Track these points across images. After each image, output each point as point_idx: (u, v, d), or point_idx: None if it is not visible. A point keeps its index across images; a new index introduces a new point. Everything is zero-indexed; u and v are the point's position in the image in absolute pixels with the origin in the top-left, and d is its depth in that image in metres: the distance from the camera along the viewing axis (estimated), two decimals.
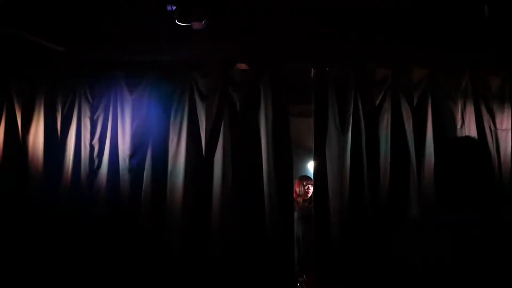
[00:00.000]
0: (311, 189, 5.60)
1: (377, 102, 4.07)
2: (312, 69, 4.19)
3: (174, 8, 3.58)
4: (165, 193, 4.07)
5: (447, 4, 3.74)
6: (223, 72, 4.21)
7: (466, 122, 3.97)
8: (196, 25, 3.68)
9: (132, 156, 4.14)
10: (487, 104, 4.01)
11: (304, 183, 5.64)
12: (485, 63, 4.07)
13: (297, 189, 5.69)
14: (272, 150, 4.10)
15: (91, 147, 4.18)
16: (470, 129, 3.94)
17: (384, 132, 4.00)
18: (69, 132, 4.19)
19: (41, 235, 3.98)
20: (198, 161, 4.11)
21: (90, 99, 4.26)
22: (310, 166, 8.32)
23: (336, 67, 4.21)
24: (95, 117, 4.24)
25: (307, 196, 5.60)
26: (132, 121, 4.19)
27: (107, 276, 3.93)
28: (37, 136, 4.17)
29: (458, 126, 3.98)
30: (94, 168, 4.14)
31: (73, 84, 4.27)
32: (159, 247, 3.98)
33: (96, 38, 4.15)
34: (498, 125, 3.96)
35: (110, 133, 4.17)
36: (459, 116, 3.99)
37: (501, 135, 3.93)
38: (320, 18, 3.95)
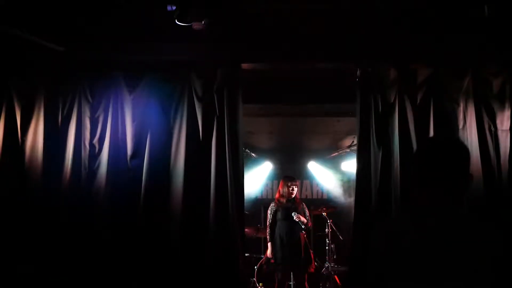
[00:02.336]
0: (295, 190, 5.60)
1: (391, 101, 4.09)
2: (358, 69, 4.17)
3: (174, 8, 3.58)
4: (165, 192, 4.07)
5: (448, 5, 3.74)
6: (213, 74, 4.21)
7: (468, 122, 3.97)
8: (196, 25, 3.68)
9: (132, 156, 4.14)
10: (487, 104, 4.00)
11: (289, 184, 5.59)
12: (486, 64, 4.07)
13: (281, 189, 5.64)
14: (229, 153, 4.11)
15: (91, 147, 4.19)
16: (471, 130, 3.94)
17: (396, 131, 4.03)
18: (69, 131, 4.19)
19: (41, 235, 3.98)
20: (197, 161, 4.11)
21: (90, 99, 4.26)
22: (310, 166, 8.35)
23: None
24: (94, 117, 4.24)
25: (290, 197, 5.58)
26: (132, 121, 4.20)
27: (106, 275, 3.92)
28: (36, 136, 4.17)
29: (460, 126, 3.98)
30: (94, 168, 4.14)
31: (73, 84, 4.28)
32: (159, 246, 3.98)
33: (96, 38, 4.16)
34: (498, 126, 3.95)
35: (110, 133, 4.18)
36: (461, 117, 3.99)
37: (501, 136, 3.92)
38: (312, 18, 3.97)
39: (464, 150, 1.71)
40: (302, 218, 5.47)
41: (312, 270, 5.61)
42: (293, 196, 5.60)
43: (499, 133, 3.90)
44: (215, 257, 3.94)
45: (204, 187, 4.05)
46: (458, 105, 4.00)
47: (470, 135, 3.93)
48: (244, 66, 4.37)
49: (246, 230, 6.89)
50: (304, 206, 5.80)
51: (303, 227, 5.44)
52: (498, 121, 3.94)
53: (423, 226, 1.61)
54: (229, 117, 4.11)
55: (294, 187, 5.60)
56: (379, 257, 1.65)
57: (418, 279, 1.53)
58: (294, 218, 5.39)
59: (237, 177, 4.08)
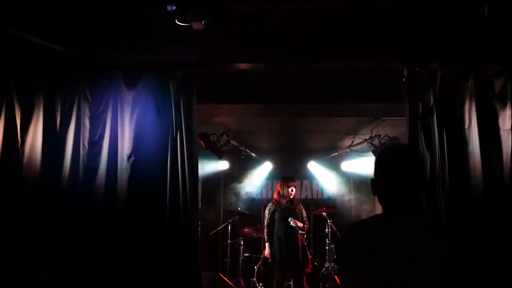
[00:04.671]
0: (294, 190, 5.59)
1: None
2: (405, 68, 4.17)
3: (174, 8, 3.58)
4: (164, 191, 4.07)
5: (448, 5, 3.75)
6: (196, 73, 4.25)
7: (471, 122, 3.97)
8: (196, 25, 3.67)
9: (130, 155, 4.13)
10: (489, 104, 4.00)
11: (289, 184, 5.58)
12: (487, 64, 4.07)
13: (280, 190, 5.61)
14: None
15: (90, 146, 4.19)
16: (473, 129, 3.95)
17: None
18: (68, 131, 4.19)
19: (40, 234, 3.97)
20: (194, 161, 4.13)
21: (89, 98, 4.26)
22: (310, 166, 8.35)
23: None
24: (94, 116, 4.24)
25: (289, 197, 5.57)
26: (131, 120, 4.19)
27: (105, 273, 3.92)
28: (36, 135, 4.16)
29: (466, 126, 3.98)
30: (93, 167, 4.14)
31: (72, 83, 4.27)
32: (158, 245, 3.98)
33: (96, 38, 4.15)
34: (500, 125, 3.95)
35: (109, 132, 4.18)
36: (466, 116, 3.99)
37: (503, 135, 3.92)
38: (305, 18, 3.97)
39: (419, 155, 1.71)
40: (299, 223, 5.45)
41: (309, 270, 5.59)
42: (292, 197, 5.59)
43: (501, 132, 3.90)
44: (183, 253, 4.01)
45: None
46: (463, 104, 4.01)
47: (473, 135, 3.93)
48: (243, 66, 4.38)
49: (245, 230, 6.92)
50: (302, 207, 5.78)
51: (299, 232, 5.43)
52: (500, 121, 3.93)
53: (383, 232, 1.62)
54: (185, 116, 4.16)
55: (293, 187, 5.58)
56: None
57: (377, 283, 1.54)
58: (291, 223, 5.38)
59: (192, 178, 4.11)
